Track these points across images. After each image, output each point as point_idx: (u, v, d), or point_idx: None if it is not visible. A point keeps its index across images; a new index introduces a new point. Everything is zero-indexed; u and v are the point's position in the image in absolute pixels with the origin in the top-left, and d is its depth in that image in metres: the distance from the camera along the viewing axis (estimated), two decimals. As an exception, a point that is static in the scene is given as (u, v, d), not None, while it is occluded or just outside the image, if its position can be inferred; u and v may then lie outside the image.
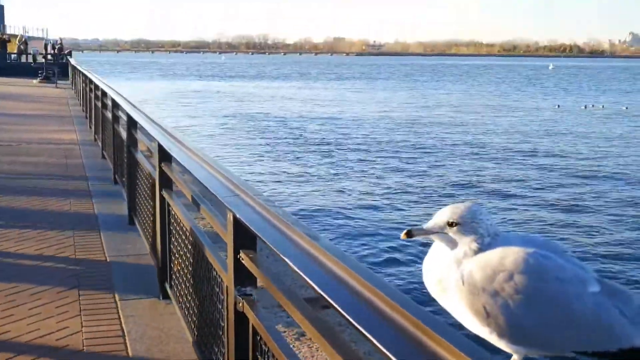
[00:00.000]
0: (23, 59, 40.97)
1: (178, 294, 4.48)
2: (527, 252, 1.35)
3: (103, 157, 10.79)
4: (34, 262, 5.75)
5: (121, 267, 5.66)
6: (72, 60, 32.43)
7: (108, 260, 5.83)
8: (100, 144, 11.48)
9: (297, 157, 21.72)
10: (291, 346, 2.96)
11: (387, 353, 1.42)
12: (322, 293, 1.80)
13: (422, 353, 1.39)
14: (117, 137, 8.51)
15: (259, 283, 2.78)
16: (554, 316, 1.27)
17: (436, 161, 21.71)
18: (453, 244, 1.37)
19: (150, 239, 5.60)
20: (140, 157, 6.30)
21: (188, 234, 4.03)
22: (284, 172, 19.13)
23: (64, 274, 5.48)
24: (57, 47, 43.69)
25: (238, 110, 37.42)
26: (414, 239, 1.44)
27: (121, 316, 4.64)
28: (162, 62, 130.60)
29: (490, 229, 1.40)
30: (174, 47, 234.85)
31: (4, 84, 28.91)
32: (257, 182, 17.25)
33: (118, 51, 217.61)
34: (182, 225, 4.22)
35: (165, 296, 4.88)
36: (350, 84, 68.69)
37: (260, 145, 24.52)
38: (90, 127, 14.55)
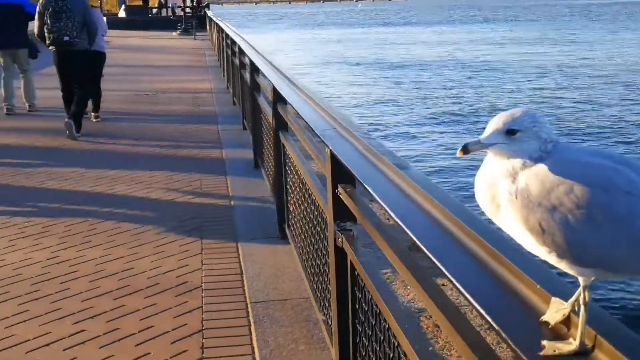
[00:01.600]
0: (163, 12, 42.38)
1: (294, 234, 4.51)
2: (593, 162, 1.20)
3: (234, 103, 11.03)
4: (161, 204, 5.98)
5: (244, 209, 5.76)
6: (209, 13, 33.24)
7: (232, 203, 5.95)
8: (231, 91, 11.73)
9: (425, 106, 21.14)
10: (387, 284, 2.88)
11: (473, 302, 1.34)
12: (413, 237, 1.73)
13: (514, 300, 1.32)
14: (244, 83, 8.63)
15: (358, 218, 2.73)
16: (622, 234, 1.13)
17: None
18: (513, 154, 1.24)
19: (271, 182, 5.68)
20: (262, 101, 6.35)
21: (300, 174, 4.02)
22: (404, 120, 18.69)
23: (188, 214, 5.65)
24: (195, 0, 44.83)
25: (373, 56, 37.08)
26: (471, 154, 1.32)
27: (240, 255, 4.72)
28: (299, 12, 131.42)
29: (552, 135, 1.24)
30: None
31: (146, 37, 30.04)
32: (370, 124, 17.03)
33: (256, 3, 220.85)
34: (295, 165, 4.22)
35: (284, 237, 4.93)
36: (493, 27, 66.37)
37: (388, 89, 24.11)
38: (224, 76, 14.90)
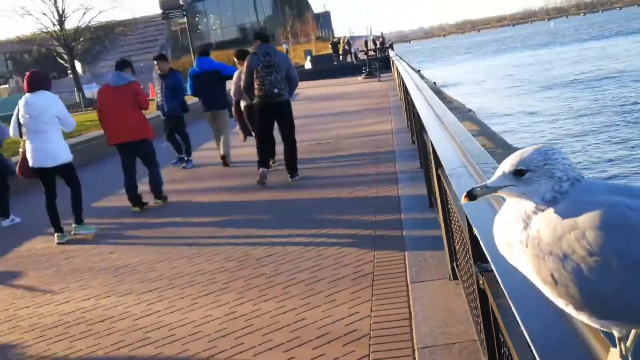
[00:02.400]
0: (348, 58, 43.52)
1: (461, 274, 4.36)
2: (609, 201, 1.02)
3: (413, 142, 11.00)
4: (336, 250, 6.03)
5: (417, 250, 5.67)
6: (392, 53, 33.68)
7: (405, 243, 5.89)
8: (409, 130, 11.72)
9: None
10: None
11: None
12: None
13: None
14: (416, 121, 8.60)
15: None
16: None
17: None
18: (524, 196, 1.09)
19: (441, 220, 5.55)
20: (427, 139, 6.28)
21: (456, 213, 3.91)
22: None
23: (361, 260, 5.65)
24: (378, 42, 45.68)
25: (566, 77, 35.60)
26: (478, 200, 1.18)
27: (410, 299, 4.64)
28: (486, 39, 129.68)
29: (570, 172, 1.08)
30: (500, 22, 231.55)
31: (333, 85, 30.95)
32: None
33: (444, 36, 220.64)
34: (452, 204, 4.10)
35: (455, 276, 4.78)
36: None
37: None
38: (405, 115, 14.95)
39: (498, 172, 1.15)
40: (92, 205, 10.21)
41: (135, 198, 9.02)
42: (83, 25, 49.41)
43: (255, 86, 9.18)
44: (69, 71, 72.62)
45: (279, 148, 10.25)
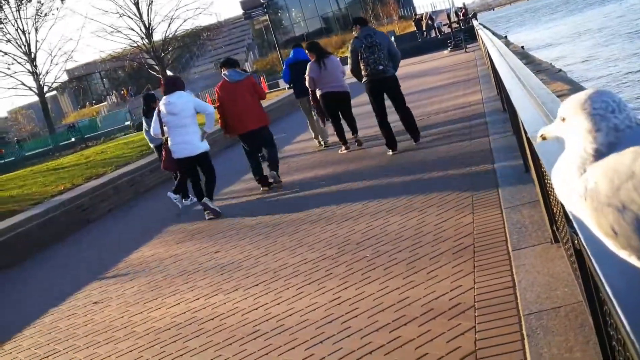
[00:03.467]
0: (432, 34, 42.92)
1: (563, 235, 4.26)
2: None
3: (504, 110, 10.77)
4: (434, 226, 5.99)
5: (516, 217, 5.55)
6: (475, 23, 33.03)
7: (504, 213, 5.78)
8: (499, 98, 11.48)
9: None
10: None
11: None
12: None
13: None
14: (505, 89, 8.42)
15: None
16: None
17: None
18: (578, 144, 1.04)
19: (537, 184, 5.43)
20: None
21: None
22: None
23: (461, 233, 5.60)
24: (461, 13, 44.83)
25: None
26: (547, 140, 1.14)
27: (513, 267, 4.56)
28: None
29: (629, 118, 1.01)
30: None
31: (420, 62, 30.64)
32: None
33: (511, 3, 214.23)
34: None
35: (556, 239, 4.67)
36: None
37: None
38: (493, 83, 14.65)
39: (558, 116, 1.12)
40: (194, 209, 10.53)
41: (264, 179, 10.10)
42: (170, 35, 50.75)
43: (362, 67, 9.89)
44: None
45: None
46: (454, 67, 23.85)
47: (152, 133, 9.56)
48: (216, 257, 7.18)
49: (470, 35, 35.00)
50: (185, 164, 9.29)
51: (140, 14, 49.40)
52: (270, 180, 10.08)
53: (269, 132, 10.18)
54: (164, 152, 9.43)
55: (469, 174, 7.60)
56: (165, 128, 9.14)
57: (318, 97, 11.48)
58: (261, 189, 10.13)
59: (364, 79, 10.00)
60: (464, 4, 48.60)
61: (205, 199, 9.21)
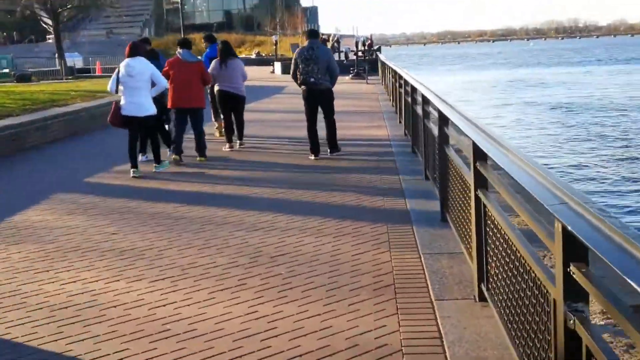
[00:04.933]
0: (336, 57, 43.38)
1: (495, 298, 4.32)
2: None
3: (413, 152, 10.96)
4: (351, 257, 5.96)
5: (435, 265, 5.62)
6: (381, 56, 33.67)
7: (422, 258, 5.84)
8: (410, 139, 11.68)
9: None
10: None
11: None
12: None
13: None
14: (427, 133, 8.56)
15: (591, 299, 2.54)
16: None
17: None
18: None
19: (464, 239, 5.52)
20: (452, 154, 6.24)
21: (507, 238, 3.85)
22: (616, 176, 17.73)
23: (379, 270, 5.59)
24: (367, 43, 45.60)
25: (549, 99, 35.99)
26: None
27: (437, 317, 4.58)
28: (469, 51, 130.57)
29: None
30: (480, 36, 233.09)
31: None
32: (586, 185, 16.29)
33: (425, 44, 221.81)
34: (499, 228, 4.05)
35: (482, 298, 4.74)
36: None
37: (585, 141, 23.15)
38: (400, 122, 14.91)
39: None
40: (86, 180, 10.04)
41: (180, 150, 11.01)
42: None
43: (298, 75, 10.87)
44: (48, 36, 71.56)
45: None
46: (356, 95, 24.18)
47: (108, 88, 10.30)
48: (114, 239, 6.83)
49: (372, 67, 35.62)
50: (131, 123, 9.97)
51: (45, -39, 47.09)
52: (199, 159, 11.15)
53: (202, 114, 11.22)
54: (112, 108, 10.09)
55: (383, 209, 7.65)
56: (120, 87, 9.91)
57: (215, 92, 12.53)
58: (172, 157, 10.99)
59: (300, 86, 10.99)
60: (370, 35, 49.50)
61: (155, 166, 10.36)
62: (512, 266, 3.75)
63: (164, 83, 10.20)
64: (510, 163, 3.61)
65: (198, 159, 11.16)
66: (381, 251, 6.11)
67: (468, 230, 5.25)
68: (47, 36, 71.85)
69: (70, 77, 40.18)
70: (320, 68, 10.69)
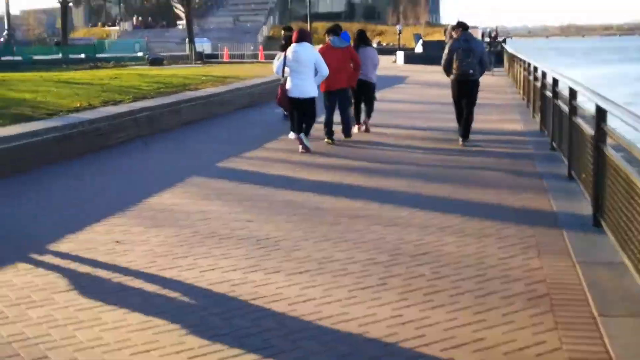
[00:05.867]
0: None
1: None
2: None
3: (552, 149, 10.39)
4: (499, 261, 5.59)
5: (592, 276, 5.17)
6: (508, 48, 32.61)
7: (577, 266, 5.40)
8: (548, 135, 11.10)
9: None
10: None
11: None
12: None
13: None
14: (574, 129, 8.02)
15: None
16: None
17: None
18: None
19: (628, 248, 5.05)
20: (613, 154, 5.74)
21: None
22: None
23: (531, 277, 5.20)
24: (492, 35, 44.43)
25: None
26: None
27: (604, 336, 4.17)
28: (591, 45, 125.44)
29: None
30: (607, 30, 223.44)
31: (442, 73, 30.11)
32: None
33: (547, 37, 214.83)
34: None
35: (656, 318, 4.29)
36: None
37: None
38: (534, 117, 14.27)
39: None
40: (218, 164, 10.07)
41: (330, 132, 11.59)
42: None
43: (454, 66, 11.16)
44: (178, 22, 73.81)
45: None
46: (484, 87, 23.34)
47: (274, 71, 11.35)
48: (249, 227, 6.73)
49: (497, 60, 34.57)
50: (295, 103, 10.88)
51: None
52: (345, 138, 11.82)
53: (350, 95, 12.05)
54: (279, 90, 10.94)
55: (527, 209, 7.21)
56: (287, 69, 10.80)
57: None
58: (325, 140, 11.55)
59: (452, 77, 11.30)
60: (496, 27, 48.17)
61: (302, 135, 10.81)
62: None
63: (326, 72, 10.83)
64: None
65: (344, 138, 11.79)
66: (530, 256, 5.70)
67: (636, 241, 4.79)
68: (178, 22, 74.15)
69: (199, 62, 41.16)
70: (476, 59, 11.09)
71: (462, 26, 11.45)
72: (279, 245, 6.11)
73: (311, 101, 10.89)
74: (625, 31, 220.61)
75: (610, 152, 5.88)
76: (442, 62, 11.42)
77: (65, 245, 6.24)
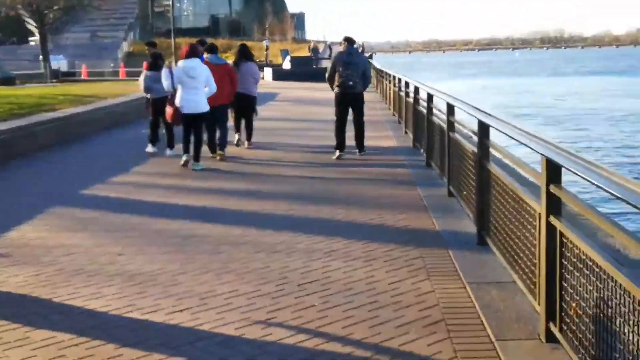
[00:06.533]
0: (327, 63, 42.90)
1: (574, 341, 3.76)
2: None
3: (428, 165, 10.41)
4: (389, 286, 5.37)
5: (485, 297, 5.05)
6: (375, 63, 33.13)
7: (468, 288, 5.27)
8: (423, 151, 11.14)
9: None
10: None
11: None
12: None
13: None
14: (452, 146, 8.01)
15: None
16: None
17: None
18: None
19: (518, 268, 4.95)
20: (498, 172, 5.64)
21: (599, 273, 3.33)
22: None
23: (423, 302, 5.00)
24: (359, 51, 45.21)
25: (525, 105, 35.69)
26: None
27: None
28: (451, 60, 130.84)
29: None
30: (466, 46, 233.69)
31: (314, 89, 30.25)
32: None
33: (410, 52, 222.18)
34: (587, 261, 3.51)
35: (551, 339, 4.17)
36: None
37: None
38: (407, 133, 14.37)
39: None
40: (82, 191, 9.40)
41: (212, 145, 11.80)
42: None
43: (336, 78, 11.50)
44: (31, 38, 70.41)
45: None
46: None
47: (165, 86, 11.08)
48: (120, 261, 6.19)
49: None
50: (189, 119, 10.86)
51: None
52: (217, 156, 11.66)
53: (226, 112, 12.19)
54: (171, 108, 10.91)
55: (410, 229, 7.09)
56: (177, 85, 10.80)
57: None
58: (212, 155, 11.65)
59: (336, 90, 11.62)
60: (362, 43, 49.06)
61: (193, 163, 10.85)
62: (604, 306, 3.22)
63: (214, 88, 10.92)
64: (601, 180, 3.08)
65: (218, 153, 11.71)
66: (420, 279, 5.53)
67: (527, 260, 4.69)
68: (30, 38, 70.79)
69: (55, 81, 39.35)
70: (359, 74, 11.44)
71: (348, 40, 11.77)
72: (155, 280, 5.64)
73: (204, 115, 10.97)
74: (483, 46, 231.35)
75: (494, 168, 5.81)
76: (327, 74, 11.83)
77: None
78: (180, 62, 10.97)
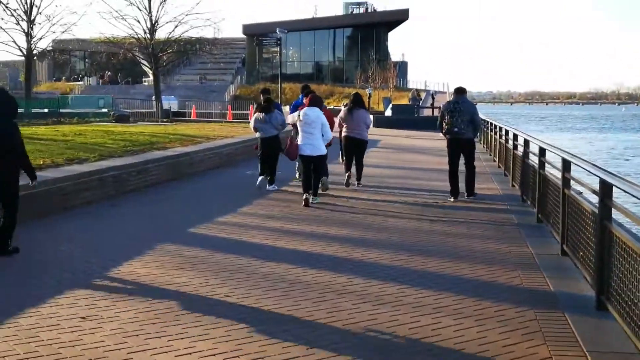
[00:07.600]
0: (430, 112, 42.75)
1: None
2: None
3: (539, 221, 10.06)
4: (501, 348, 5.13)
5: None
6: (481, 115, 32.66)
7: (588, 356, 4.96)
8: (531, 205, 10.79)
9: None
10: None
11: None
12: None
13: None
14: (568, 203, 7.70)
15: None
16: None
17: None
18: None
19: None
20: (622, 234, 5.37)
21: None
22: None
23: (542, 369, 4.76)
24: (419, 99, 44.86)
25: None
26: None
27: None
28: (554, 113, 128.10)
29: None
30: (569, 99, 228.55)
31: (415, 137, 30.13)
32: None
33: (511, 103, 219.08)
34: None
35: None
36: None
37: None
38: (514, 185, 14.03)
39: None
40: (190, 230, 9.53)
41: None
42: (173, 38, 49.71)
43: (444, 125, 12.30)
44: (144, 79, 73.37)
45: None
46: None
47: (289, 120, 12.86)
48: (227, 303, 6.19)
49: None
50: (305, 160, 11.96)
51: (150, 8, 48.17)
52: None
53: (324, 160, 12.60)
54: (290, 144, 12.28)
55: (523, 288, 6.79)
56: (299, 129, 12.06)
57: (341, 137, 14.50)
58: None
59: (447, 136, 12.34)
60: (433, 91, 48.78)
61: (312, 197, 11.85)
62: None
63: (330, 136, 12.13)
64: None
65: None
66: (536, 343, 5.25)
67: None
68: (144, 78, 73.76)
69: (166, 120, 40.71)
70: (465, 120, 12.05)
71: (457, 91, 12.48)
72: (263, 325, 5.58)
73: (321, 157, 12.02)
74: (588, 99, 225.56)
75: (617, 230, 5.53)
76: (437, 122, 12.68)
77: (25, 320, 5.63)
78: (302, 110, 12.14)
